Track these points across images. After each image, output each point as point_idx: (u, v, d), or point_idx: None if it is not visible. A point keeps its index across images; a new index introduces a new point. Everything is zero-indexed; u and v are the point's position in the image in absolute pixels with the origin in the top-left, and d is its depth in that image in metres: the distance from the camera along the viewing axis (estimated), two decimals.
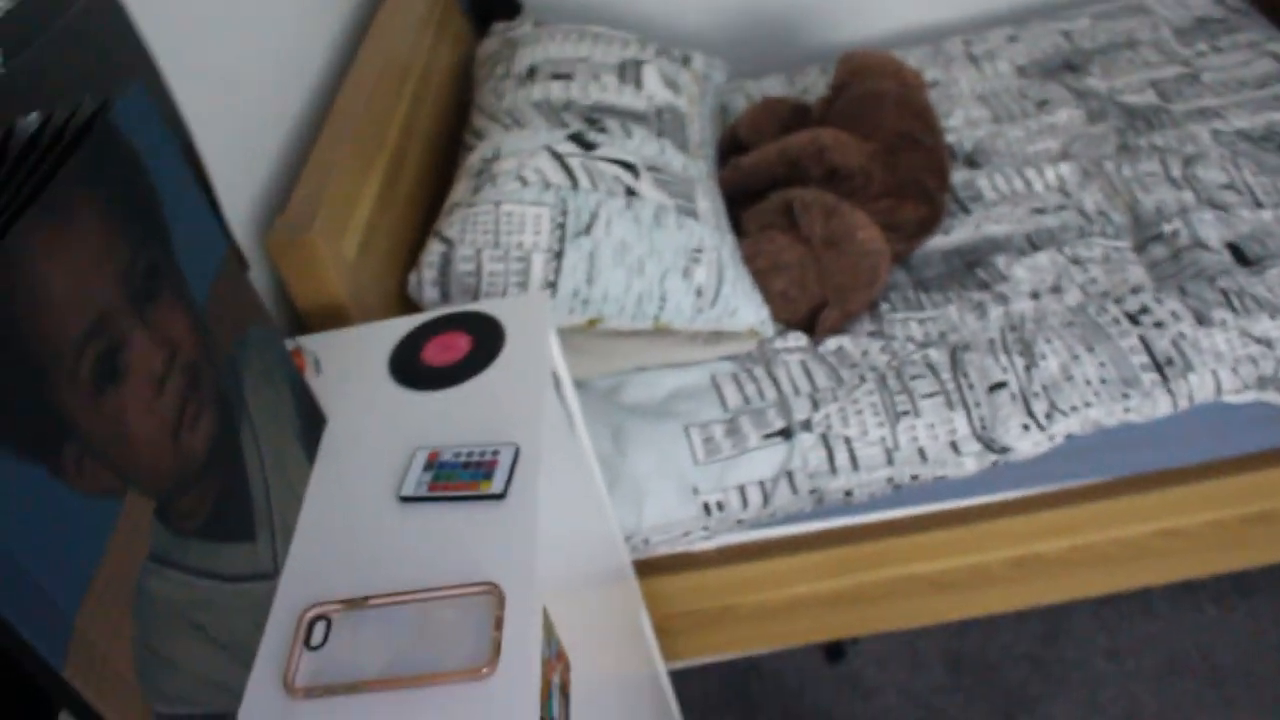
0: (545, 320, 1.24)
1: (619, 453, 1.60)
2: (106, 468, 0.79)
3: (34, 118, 0.89)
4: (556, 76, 1.92)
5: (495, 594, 0.92)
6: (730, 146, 2.11)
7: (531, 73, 1.94)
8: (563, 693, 1.00)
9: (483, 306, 1.28)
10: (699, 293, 1.62)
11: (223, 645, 0.90)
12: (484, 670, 0.86)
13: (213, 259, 1.00)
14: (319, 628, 0.95)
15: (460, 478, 1.06)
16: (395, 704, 0.87)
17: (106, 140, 0.87)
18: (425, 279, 1.60)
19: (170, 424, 0.88)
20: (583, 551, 1.27)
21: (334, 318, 1.40)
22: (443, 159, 2.00)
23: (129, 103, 0.91)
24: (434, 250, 1.60)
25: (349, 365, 1.25)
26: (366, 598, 0.95)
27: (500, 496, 1.03)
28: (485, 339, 1.23)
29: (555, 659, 1.00)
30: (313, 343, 1.30)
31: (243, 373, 1.02)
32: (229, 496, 0.95)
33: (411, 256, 1.72)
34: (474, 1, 2.28)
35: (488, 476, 1.05)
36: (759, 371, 1.67)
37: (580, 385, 1.75)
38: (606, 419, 1.66)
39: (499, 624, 0.90)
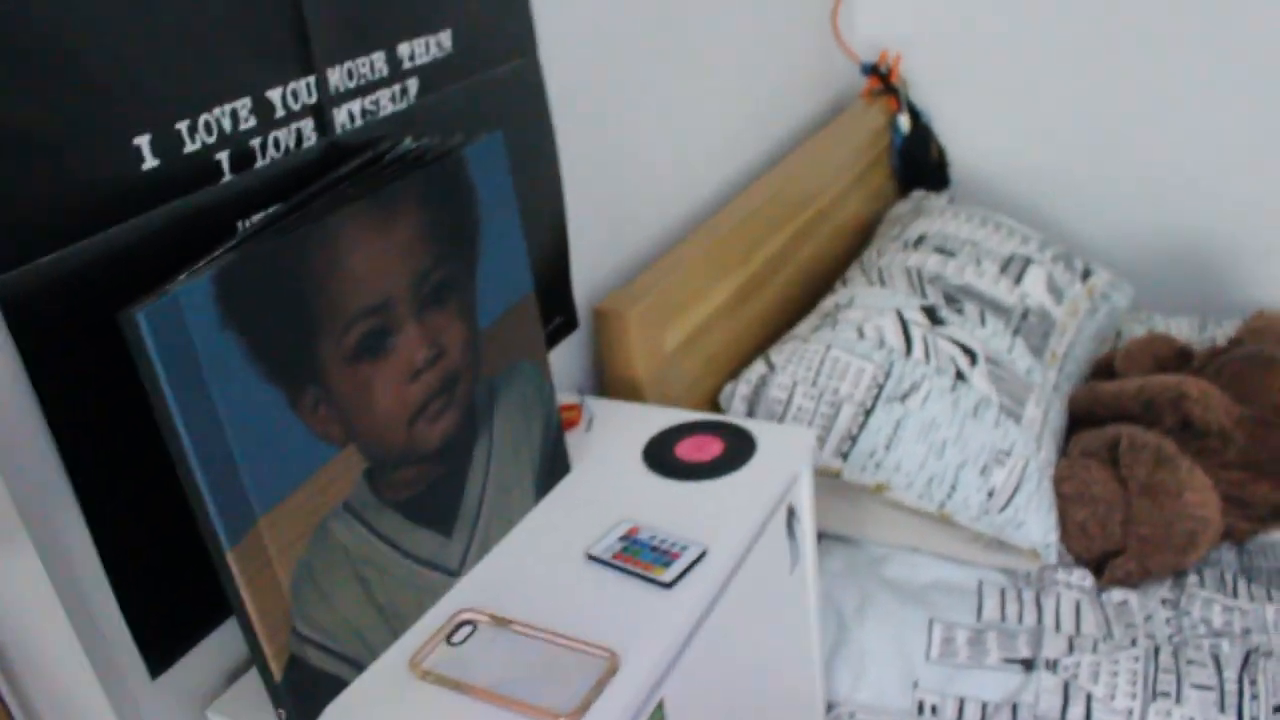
0: (802, 457, 1.29)
1: (858, 619, 1.59)
2: (337, 420, 0.95)
3: (409, 141, 1.09)
4: (939, 250, 1.96)
5: (611, 661, 0.98)
6: (1102, 372, 2.03)
7: (919, 241, 1.99)
8: None
9: (749, 424, 1.34)
10: (990, 494, 1.58)
11: (379, 607, 1.03)
12: (560, 718, 0.93)
13: (512, 296, 1.15)
14: (466, 630, 1.05)
15: (643, 557, 1.13)
16: (481, 715, 0.95)
17: (449, 171, 1.05)
18: (739, 392, 1.69)
19: (411, 410, 1.03)
20: (759, 684, 1.29)
21: (632, 392, 1.52)
22: (818, 297, 2.09)
23: (482, 148, 1.09)
24: (755, 370, 1.69)
25: (615, 434, 1.36)
26: (511, 621, 1.05)
27: (667, 585, 1.08)
28: (736, 453, 1.29)
29: None
30: (598, 405, 1.43)
31: (499, 396, 1.15)
32: (442, 491, 1.09)
33: (738, 370, 1.82)
34: (905, 166, 2.37)
35: (665, 565, 1.11)
36: (1028, 595, 1.59)
37: (850, 542, 1.75)
38: (860, 583, 1.65)
39: (600, 686, 0.96)
